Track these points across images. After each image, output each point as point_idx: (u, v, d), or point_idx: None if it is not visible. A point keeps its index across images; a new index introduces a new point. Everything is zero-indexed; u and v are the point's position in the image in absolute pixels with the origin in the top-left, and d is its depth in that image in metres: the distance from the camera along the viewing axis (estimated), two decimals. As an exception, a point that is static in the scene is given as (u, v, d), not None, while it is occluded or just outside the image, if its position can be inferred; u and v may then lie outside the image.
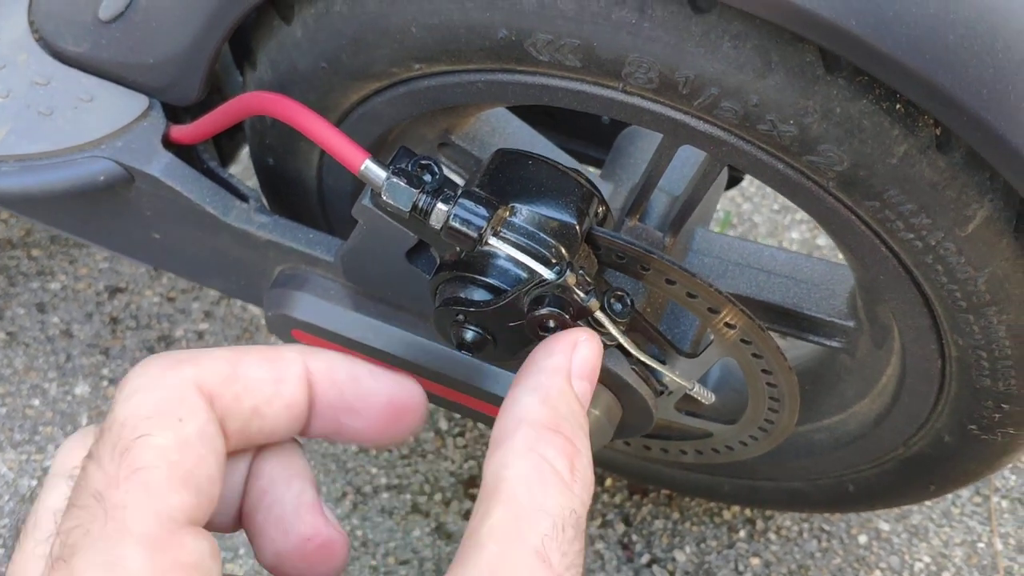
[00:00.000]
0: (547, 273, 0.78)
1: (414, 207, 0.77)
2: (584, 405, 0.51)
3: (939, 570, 1.32)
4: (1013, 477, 1.40)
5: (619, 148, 1.06)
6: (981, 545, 1.34)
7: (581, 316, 0.80)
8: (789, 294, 0.97)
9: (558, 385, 0.50)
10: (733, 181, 1.15)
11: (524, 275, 0.79)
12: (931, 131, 0.69)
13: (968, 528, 1.35)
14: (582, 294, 0.78)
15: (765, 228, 1.63)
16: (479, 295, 0.81)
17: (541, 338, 0.80)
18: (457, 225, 0.77)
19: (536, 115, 1.13)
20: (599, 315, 0.80)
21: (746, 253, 0.99)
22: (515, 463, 0.46)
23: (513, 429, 0.48)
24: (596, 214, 0.84)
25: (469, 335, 0.84)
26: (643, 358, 0.87)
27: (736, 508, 1.35)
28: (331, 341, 0.95)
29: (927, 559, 1.32)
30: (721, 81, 0.69)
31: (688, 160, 0.97)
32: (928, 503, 1.37)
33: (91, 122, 0.94)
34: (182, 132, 0.94)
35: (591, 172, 1.12)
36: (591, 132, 1.17)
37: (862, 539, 1.34)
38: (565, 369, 0.51)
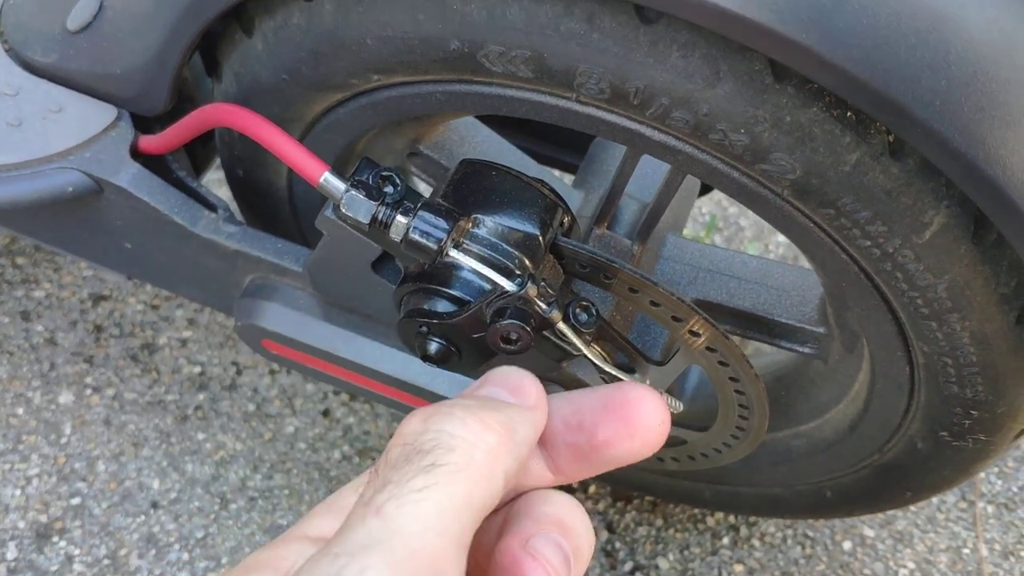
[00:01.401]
0: (508, 285, 0.78)
1: (373, 219, 0.78)
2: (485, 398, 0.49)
3: (924, 576, 1.31)
4: (999, 482, 1.39)
5: (591, 155, 1.06)
6: (966, 551, 1.33)
7: (543, 327, 0.80)
8: (760, 300, 0.97)
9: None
10: (707, 187, 1.15)
11: (487, 287, 0.79)
12: (883, 138, 0.68)
13: (953, 534, 1.35)
14: (544, 305, 0.78)
15: (751, 231, 1.62)
16: (442, 307, 0.81)
17: (503, 351, 0.80)
18: (416, 237, 0.77)
19: (510, 122, 1.13)
20: (562, 326, 0.80)
21: (717, 260, 0.99)
22: None
23: None
24: (561, 224, 0.84)
25: (433, 347, 0.83)
26: (608, 368, 0.87)
27: (720, 514, 1.35)
28: (300, 351, 0.96)
29: (912, 565, 1.32)
30: (671, 91, 0.69)
31: (657, 167, 0.96)
32: (913, 508, 1.36)
33: (60, 133, 0.94)
34: (150, 142, 0.94)
35: (565, 179, 1.12)
36: (566, 138, 1.16)
37: (846, 545, 1.33)
38: (463, 393, 0.51)
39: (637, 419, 0.48)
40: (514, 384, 0.49)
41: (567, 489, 1.34)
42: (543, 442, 0.49)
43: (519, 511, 0.48)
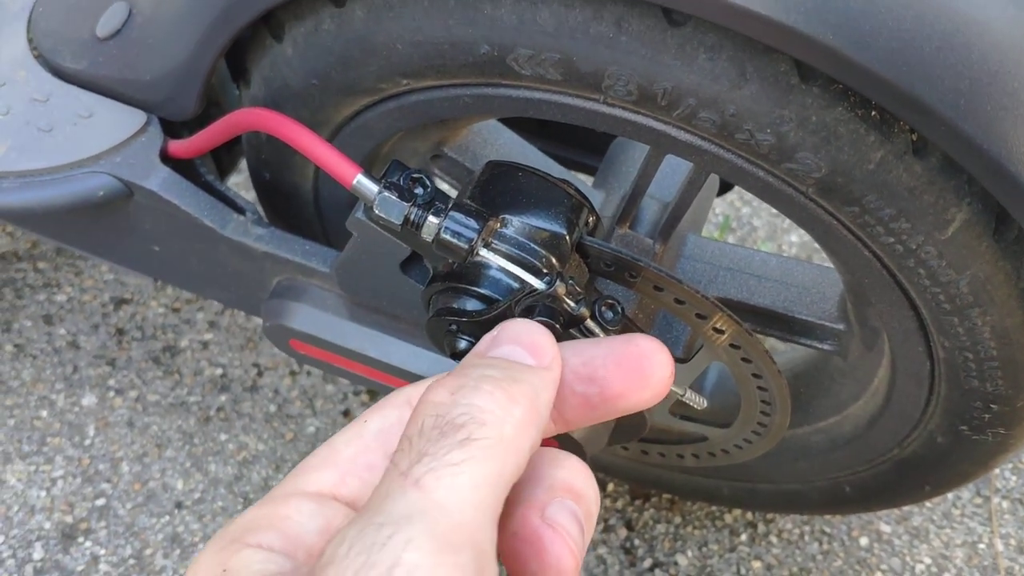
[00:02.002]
0: (537, 283, 0.79)
1: (406, 220, 0.79)
2: (503, 359, 0.49)
3: (940, 571, 1.32)
4: (1014, 478, 1.40)
5: (611, 156, 1.07)
6: (982, 546, 1.34)
7: (572, 325, 0.82)
8: (780, 298, 0.98)
9: (465, 361, 0.50)
10: (726, 187, 1.16)
11: (515, 285, 0.80)
12: (907, 137, 0.70)
13: (969, 529, 1.36)
14: (572, 303, 0.80)
15: (764, 232, 1.64)
16: (471, 305, 0.82)
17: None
18: (448, 237, 0.79)
19: (530, 124, 1.15)
20: (590, 323, 0.82)
21: (737, 258, 1.00)
22: None
23: None
24: (586, 223, 0.85)
25: (462, 344, 0.85)
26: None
27: (737, 511, 1.36)
28: (328, 351, 0.97)
29: (928, 560, 1.33)
30: (698, 92, 0.70)
31: (678, 167, 0.98)
32: (928, 504, 1.37)
33: (90, 138, 0.95)
34: (179, 147, 0.96)
35: (584, 180, 1.13)
36: (585, 140, 1.18)
37: (863, 541, 1.34)
38: (476, 351, 0.51)
39: (650, 371, 0.50)
40: (530, 342, 0.50)
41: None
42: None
43: (529, 476, 0.48)
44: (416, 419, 0.44)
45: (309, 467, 0.48)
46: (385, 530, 0.39)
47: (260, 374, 1.42)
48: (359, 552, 0.38)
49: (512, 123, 1.07)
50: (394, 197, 0.77)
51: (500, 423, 0.43)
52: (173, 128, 0.99)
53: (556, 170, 1.04)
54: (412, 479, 0.40)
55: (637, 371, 0.50)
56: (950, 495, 1.38)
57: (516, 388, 0.45)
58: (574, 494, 0.47)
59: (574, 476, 0.48)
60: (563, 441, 0.95)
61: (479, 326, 0.82)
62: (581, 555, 0.46)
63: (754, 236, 1.64)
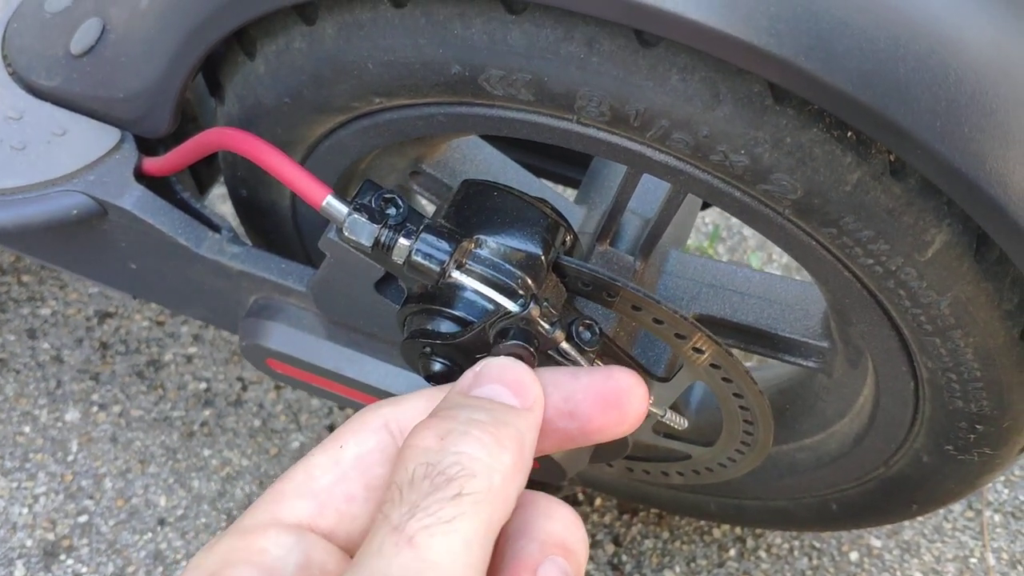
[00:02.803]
0: (511, 306, 0.78)
1: (376, 242, 0.78)
2: (489, 400, 0.49)
3: (931, 586, 1.31)
4: (1006, 491, 1.39)
5: (594, 171, 1.06)
6: (973, 560, 1.33)
7: (547, 347, 0.80)
8: (763, 315, 0.97)
9: (448, 400, 0.49)
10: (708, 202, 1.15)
11: (490, 307, 0.79)
12: (884, 158, 0.68)
13: (960, 543, 1.34)
14: (547, 326, 0.78)
15: (754, 241, 1.62)
16: (446, 327, 0.81)
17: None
18: (419, 260, 0.78)
19: (512, 139, 1.13)
20: (565, 346, 0.81)
21: (719, 274, 0.99)
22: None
23: None
24: (563, 243, 0.84)
25: (437, 367, 0.84)
26: (612, 385, 0.87)
27: (726, 527, 1.35)
28: (305, 370, 0.96)
29: (919, 575, 1.32)
30: (671, 113, 0.69)
31: (659, 183, 0.97)
32: (920, 518, 1.36)
33: (64, 156, 0.94)
34: (154, 164, 0.95)
35: (567, 194, 1.12)
36: (570, 153, 1.16)
37: (853, 556, 1.33)
38: (457, 389, 0.51)
39: (629, 407, 0.51)
40: (514, 381, 0.50)
41: (573, 501, 1.34)
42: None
43: (521, 528, 0.48)
44: (405, 466, 0.43)
45: (285, 494, 0.47)
46: None
47: (245, 388, 1.41)
48: None
49: (495, 137, 1.05)
50: (364, 219, 0.76)
51: (489, 473, 0.43)
52: (149, 145, 0.97)
53: (536, 187, 1.03)
54: (406, 536, 0.40)
55: (616, 406, 0.51)
56: (941, 509, 1.37)
57: (503, 432, 0.45)
58: (565, 551, 0.47)
59: (566, 531, 0.47)
60: (543, 462, 0.93)
61: (453, 349, 0.81)
62: None
63: (744, 246, 1.62)
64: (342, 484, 0.48)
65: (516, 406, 0.49)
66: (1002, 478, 1.40)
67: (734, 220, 1.65)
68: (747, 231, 1.64)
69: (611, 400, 0.51)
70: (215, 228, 0.96)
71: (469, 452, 0.43)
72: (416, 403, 0.51)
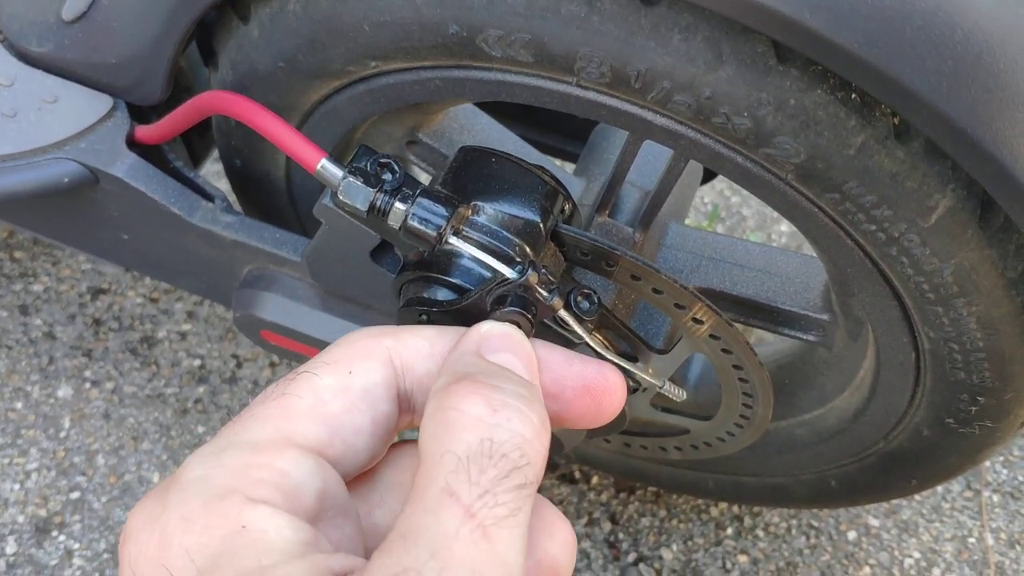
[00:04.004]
0: (509, 272, 0.77)
1: (371, 207, 0.77)
2: (509, 370, 0.49)
3: (929, 566, 1.30)
4: (1004, 471, 1.38)
5: (592, 144, 1.05)
6: (972, 540, 1.32)
7: (545, 315, 0.79)
8: (763, 288, 0.96)
9: (464, 359, 0.49)
10: (709, 175, 1.14)
11: (487, 274, 0.78)
12: (889, 121, 0.67)
13: (959, 523, 1.34)
14: (545, 293, 0.77)
15: (753, 221, 1.61)
16: (442, 295, 0.80)
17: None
18: (415, 224, 0.76)
19: (512, 111, 1.12)
20: (563, 314, 0.79)
21: (719, 248, 0.98)
22: (425, 429, 0.44)
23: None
24: (562, 211, 0.83)
25: (433, 335, 0.83)
26: (610, 357, 0.86)
27: (723, 505, 1.34)
28: (299, 341, 0.95)
29: (917, 555, 1.31)
30: (672, 74, 0.68)
31: (659, 154, 0.95)
32: (918, 498, 1.35)
33: (55, 123, 0.93)
34: (147, 132, 0.94)
35: (566, 167, 1.11)
36: (567, 127, 1.15)
37: (851, 535, 1.32)
38: (470, 348, 0.50)
39: (607, 404, 0.52)
40: (524, 357, 0.51)
41: (570, 479, 1.33)
42: None
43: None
44: (461, 435, 0.43)
45: (296, 413, 0.46)
46: None
47: (239, 365, 1.40)
48: None
49: (492, 109, 1.04)
50: (359, 183, 0.75)
51: (539, 460, 0.44)
52: (142, 113, 0.96)
53: (534, 156, 1.02)
54: (480, 525, 0.40)
55: (598, 400, 0.52)
56: (940, 488, 1.36)
57: (542, 414, 0.46)
58: (556, 571, 0.47)
59: (562, 554, 0.48)
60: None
61: (450, 316, 0.80)
62: None
63: (743, 225, 1.61)
64: (351, 415, 0.47)
65: (534, 382, 0.50)
66: (1001, 458, 1.39)
67: (733, 200, 1.64)
68: (746, 211, 1.63)
69: (595, 392, 0.52)
70: (208, 197, 0.94)
71: (523, 433, 0.44)
72: (418, 343, 0.51)
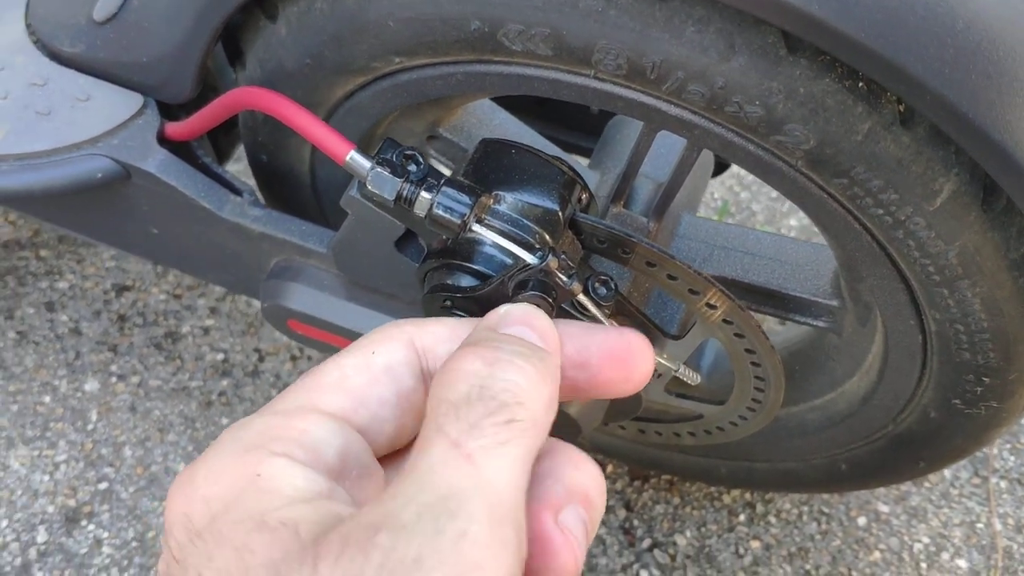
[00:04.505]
0: (530, 258, 0.80)
1: (399, 196, 0.80)
2: (519, 338, 0.51)
3: (938, 551, 1.33)
4: (1012, 458, 1.41)
5: (606, 137, 1.08)
6: (980, 525, 1.35)
7: (565, 299, 0.82)
8: (774, 275, 0.99)
9: (479, 333, 0.51)
10: (720, 168, 1.17)
11: (508, 261, 0.81)
12: (894, 107, 0.70)
13: (967, 509, 1.36)
14: (565, 278, 0.80)
15: (763, 216, 1.64)
16: (465, 281, 0.83)
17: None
18: (441, 212, 0.80)
19: (526, 106, 1.15)
20: (582, 298, 0.82)
21: (731, 237, 1.01)
22: (430, 388, 0.47)
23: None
24: (579, 200, 0.86)
25: (456, 320, 0.86)
26: (627, 340, 0.89)
27: (736, 492, 1.37)
28: (325, 330, 0.98)
29: (926, 540, 1.34)
30: (687, 65, 0.71)
31: (672, 146, 0.98)
32: (927, 484, 1.38)
33: (88, 121, 0.96)
34: (177, 129, 0.97)
35: (580, 161, 1.14)
36: (581, 122, 1.19)
37: (861, 521, 1.35)
38: (488, 324, 0.53)
39: (635, 367, 0.54)
40: (541, 327, 0.52)
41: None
42: None
43: (549, 470, 0.49)
44: (455, 386, 0.45)
45: (321, 386, 0.49)
46: (451, 502, 0.41)
47: (261, 359, 1.43)
48: (428, 519, 0.40)
49: (507, 105, 1.07)
50: (387, 173, 0.78)
51: (535, 404, 0.46)
52: (170, 111, 0.99)
53: (551, 149, 1.05)
54: (465, 452, 0.43)
55: (624, 364, 0.53)
56: (948, 475, 1.39)
57: (543, 368, 0.48)
58: (587, 502, 0.49)
59: (590, 483, 0.49)
60: (559, 418, 0.95)
61: (473, 302, 0.83)
62: (583, 562, 0.48)
63: (753, 220, 1.64)
64: (375, 387, 0.49)
65: (547, 349, 0.51)
66: (1008, 445, 1.42)
67: (743, 195, 1.67)
68: (756, 206, 1.66)
69: (621, 356, 0.53)
70: (236, 191, 0.98)
71: (517, 380, 0.46)
72: (438, 329, 0.53)
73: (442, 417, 0.44)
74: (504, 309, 0.56)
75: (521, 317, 0.53)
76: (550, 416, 0.47)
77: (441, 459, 0.43)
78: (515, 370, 0.46)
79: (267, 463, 0.44)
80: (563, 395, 0.52)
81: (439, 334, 0.53)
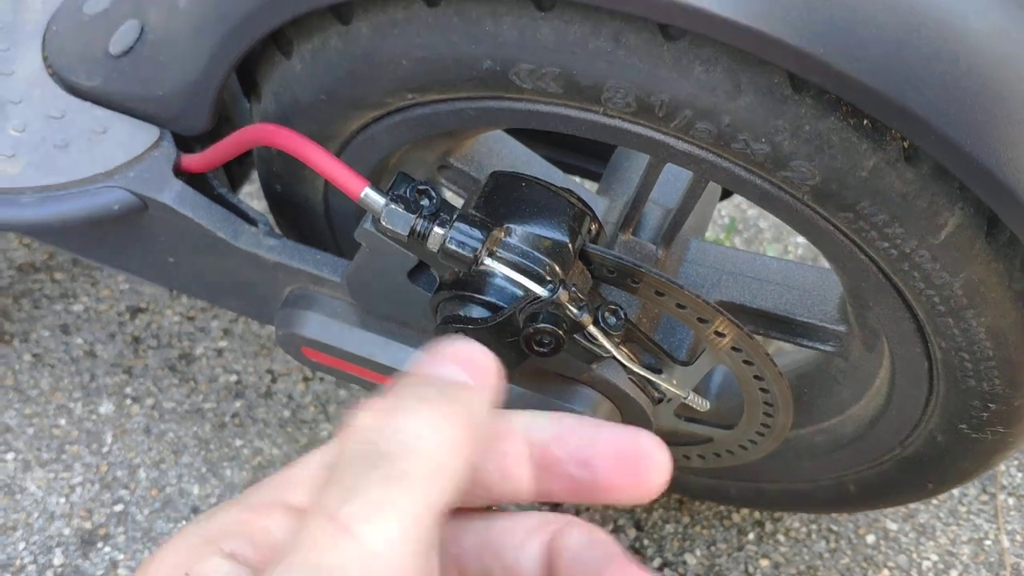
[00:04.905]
0: (541, 291, 0.82)
1: (412, 231, 0.82)
2: (435, 374, 0.46)
3: (946, 568, 1.34)
4: (1020, 475, 1.42)
5: (615, 164, 1.09)
6: (988, 543, 1.36)
7: (575, 331, 0.84)
8: (781, 301, 1.00)
9: (399, 379, 0.49)
10: (728, 191, 1.18)
11: (520, 293, 0.83)
12: (899, 144, 0.72)
13: (975, 526, 1.37)
14: (575, 310, 0.82)
15: (770, 233, 1.65)
16: (477, 312, 0.85)
17: (536, 353, 0.84)
18: (453, 247, 0.81)
19: (536, 133, 1.17)
20: (592, 329, 0.84)
21: (739, 262, 1.02)
22: None
23: None
24: (589, 231, 0.87)
25: (468, 351, 0.87)
26: (637, 369, 0.90)
27: (745, 511, 1.38)
28: (339, 358, 0.99)
29: (935, 557, 1.35)
30: (694, 104, 0.72)
31: (680, 174, 1.00)
32: (935, 502, 1.39)
33: (105, 153, 0.98)
34: (192, 161, 0.98)
35: (589, 187, 1.15)
36: (590, 148, 1.20)
37: (870, 539, 1.36)
38: (408, 371, 0.50)
39: (646, 474, 0.47)
40: (466, 358, 0.46)
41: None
42: (542, 462, 0.47)
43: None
44: (344, 446, 0.40)
45: (297, 480, 0.45)
46: None
47: (274, 380, 1.45)
48: None
49: (518, 131, 1.09)
50: (400, 209, 0.80)
51: (434, 449, 0.41)
52: (186, 143, 1.01)
53: (559, 179, 1.06)
54: (342, 524, 0.38)
55: (634, 470, 0.47)
56: (956, 493, 1.40)
57: (451, 408, 0.43)
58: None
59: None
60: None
61: (485, 333, 0.85)
62: None
63: (760, 238, 1.65)
64: None
65: (469, 383, 0.46)
66: (1015, 462, 1.43)
67: (751, 212, 1.68)
68: (763, 223, 1.67)
69: (631, 461, 0.47)
70: (252, 222, 0.99)
71: (411, 428, 0.41)
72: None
73: (324, 488, 0.40)
74: (433, 347, 0.49)
75: (449, 353, 0.47)
76: (461, 458, 0.42)
77: (314, 535, 0.38)
78: (411, 415, 0.41)
79: (204, 561, 0.41)
80: (567, 494, 0.47)
81: None
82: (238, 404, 1.42)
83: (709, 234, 1.65)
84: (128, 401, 1.42)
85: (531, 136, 1.14)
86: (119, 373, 1.44)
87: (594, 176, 1.25)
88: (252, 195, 1.56)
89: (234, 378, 1.45)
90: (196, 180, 0.99)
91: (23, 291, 1.51)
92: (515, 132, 1.08)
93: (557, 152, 1.20)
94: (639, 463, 0.47)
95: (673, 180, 1.02)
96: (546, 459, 0.47)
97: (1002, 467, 1.42)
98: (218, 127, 1.00)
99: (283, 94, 0.91)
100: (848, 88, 0.67)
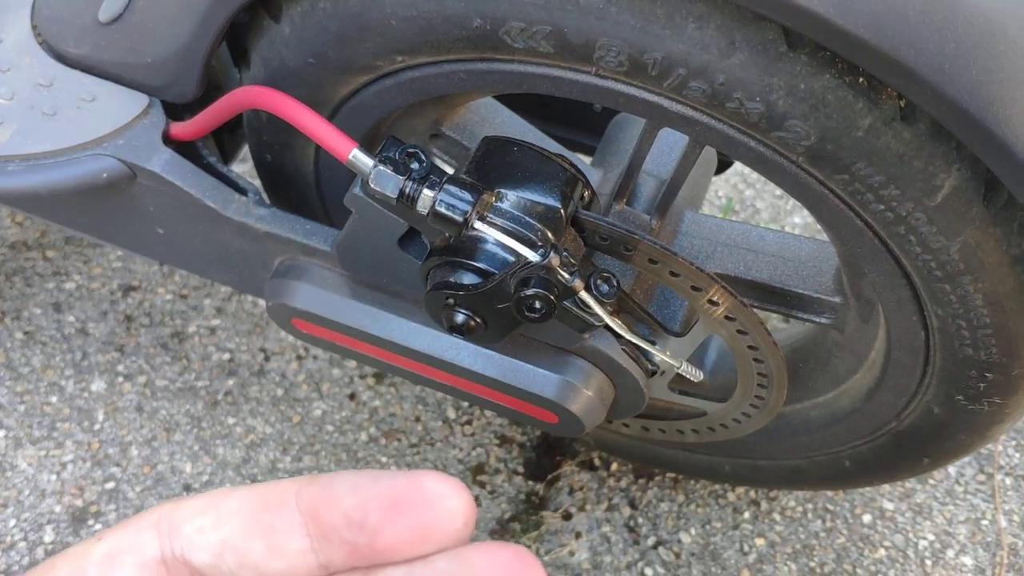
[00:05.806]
0: (532, 255, 0.81)
1: (401, 193, 0.80)
2: None
3: (943, 548, 1.33)
4: (1017, 455, 1.41)
5: (609, 136, 1.08)
6: (985, 522, 1.35)
7: (566, 296, 0.83)
8: (776, 273, 0.99)
9: None
10: (724, 165, 1.17)
11: (511, 258, 0.82)
12: (895, 103, 0.70)
13: (972, 506, 1.36)
14: (566, 275, 0.81)
15: (767, 214, 1.64)
16: (468, 279, 0.83)
17: (527, 319, 0.83)
18: (443, 210, 0.80)
19: (529, 105, 1.16)
20: (584, 295, 0.83)
21: (734, 234, 1.01)
22: None
23: None
24: (581, 198, 0.86)
25: (459, 318, 0.86)
26: (631, 337, 0.89)
27: (740, 490, 1.37)
28: (330, 329, 0.98)
29: (931, 537, 1.34)
30: (687, 62, 0.71)
31: (674, 144, 0.99)
32: (932, 481, 1.38)
33: (93, 121, 0.97)
34: (181, 129, 0.97)
35: (583, 160, 1.14)
36: (584, 120, 1.19)
37: (866, 518, 1.35)
38: None
39: (432, 522, 0.40)
40: None
41: (589, 466, 1.36)
42: (318, 532, 0.42)
43: None
44: None
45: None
46: None
47: (267, 359, 1.44)
48: None
49: (511, 103, 1.08)
50: (389, 171, 0.79)
51: None
52: (175, 111, 1.00)
53: (553, 147, 1.05)
54: None
55: (414, 520, 0.41)
56: (953, 472, 1.39)
57: None
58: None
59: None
60: (561, 416, 0.96)
61: (476, 299, 0.84)
62: None
63: (757, 218, 1.64)
64: None
65: None
66: (1013, 442, 1.42)
67: (747, 193, 1.67)
68: (760, 203, 1.66)
69: (410, 512, 0.40)
70: (241, 191, 0.98)
71: None
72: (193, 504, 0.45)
73: None
74: None
75: None
76: None
77: None
78: None
79: None
80: (348, 561, 0.42)
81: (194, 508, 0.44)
82: (231, 382, 1.41)
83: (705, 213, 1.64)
84: (120, 379, 1.41)
85: (525, 109, 1.13)
86: (111, 351, 1.43)
87: (588, 150, 1.24)
88: (245, 174, 1.55)
89: (227, 356, 1.44)
90: (186, 149, 0.98)
91: (15, 269, 1.50)
92: (507, 105, 1.07)
93: (551, 125, 1.19)
94: (422, 512, 0.40)
95: (667, 151, 1.01)
96: (321, 527, 0.42)
97: (999, 447, 1.41)
98: (208, 96, 0.99)
99: (272, 59, 0.90)
100: (844, 44, 0.66)
